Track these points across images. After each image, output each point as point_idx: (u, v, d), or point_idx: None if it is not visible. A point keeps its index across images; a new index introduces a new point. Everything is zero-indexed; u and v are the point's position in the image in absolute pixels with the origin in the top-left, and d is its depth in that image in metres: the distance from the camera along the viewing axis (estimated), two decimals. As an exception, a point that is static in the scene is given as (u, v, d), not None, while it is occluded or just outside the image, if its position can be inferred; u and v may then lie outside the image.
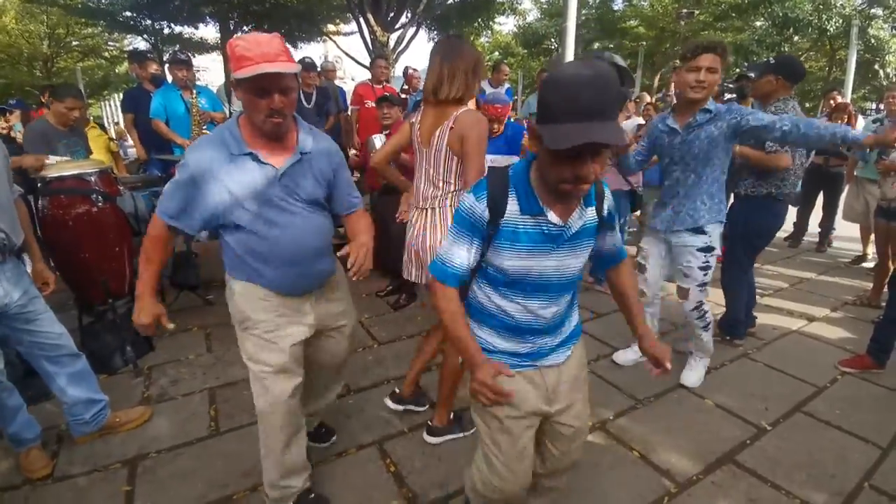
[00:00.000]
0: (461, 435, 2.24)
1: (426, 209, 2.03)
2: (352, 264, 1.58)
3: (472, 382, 1.19)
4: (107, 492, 1.95)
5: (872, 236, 4.67)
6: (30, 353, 2.04)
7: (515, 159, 3.29)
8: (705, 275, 2.51)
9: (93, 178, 2.78)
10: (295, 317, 1.70)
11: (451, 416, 2.26)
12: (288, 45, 1.50)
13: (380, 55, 5.92)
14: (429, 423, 2.26)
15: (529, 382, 1.35)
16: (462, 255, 1.22)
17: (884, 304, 3.06)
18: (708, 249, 2.48)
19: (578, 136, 0.97)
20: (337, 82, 6.61)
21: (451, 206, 1.99)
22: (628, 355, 2.94)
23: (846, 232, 5.51)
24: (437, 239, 1.98)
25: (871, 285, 4.00)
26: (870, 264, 4.75)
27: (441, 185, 1.99)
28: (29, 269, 2.08)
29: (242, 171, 1.52)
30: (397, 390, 2.49)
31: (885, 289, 3.09)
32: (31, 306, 1.96)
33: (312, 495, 1.84)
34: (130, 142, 5.04)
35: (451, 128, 1.90)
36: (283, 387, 1.67)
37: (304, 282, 1.68)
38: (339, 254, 1.64)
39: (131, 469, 2.06)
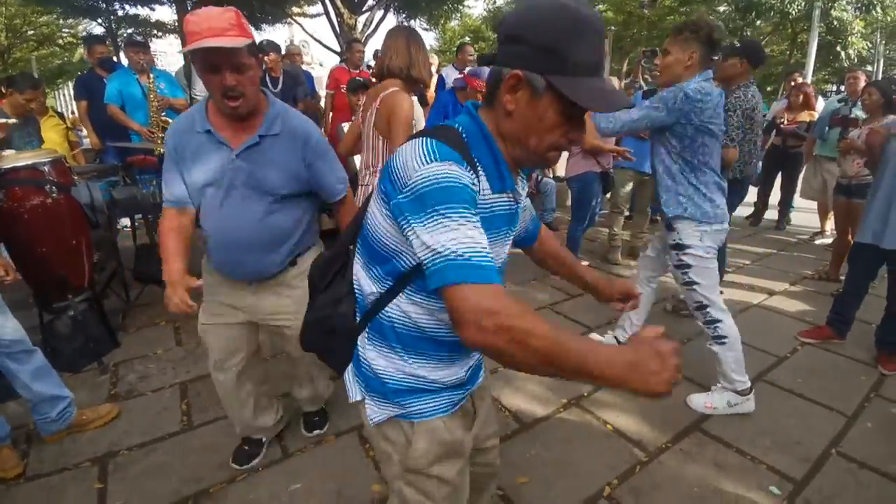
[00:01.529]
0: None
1: (362, 186, 2.23)
2: None
3: (660, 359, 0.70)
4: (79, 490, 1.89)
5: (830, 213, 4.88)
6: None
7: None
8: (684, 274, 2.28)
9: (46, 168, 2.65)
10: (229, 299, 1.73)
11: None
12: (245, 22, 1.42)
13: (355, 39, 5.86)
14: None
15: (465, 416, 1.12)
16: (483, 239, 0.80)
17: (843, 277, 3.21)
18: (678, 247, 2.28)
19: (612, 93, 0.83)
20: (304, 67, 6.45)
21: None
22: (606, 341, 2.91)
23: (804, 209, 5.73)
24: None
25: (828, 260, 4.18)
26: (827, 240, 4.96)
27: (372, 161, 2.15)
28: None
29: (201, 149, 1.50)
30: None
31: (845, 262, 3.23)
32: None
33: (246, 446, 2.02)
34: (85, 130, 4.82)
35: (377, 108, 2.04)
36: (214, 358, 1.81)
37: (239, 270, 1.66)
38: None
39: (102, 467, 2.01)
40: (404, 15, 14.61)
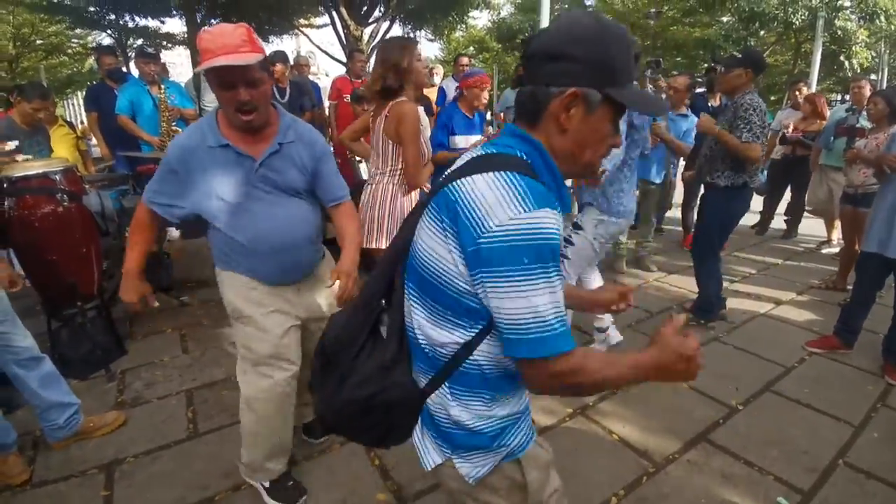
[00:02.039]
0: None
1: (370, 185, 2.44)
2: (339, 296, 1.65)
3: (686, 363, 0.80)
4: (86, 497, 1.90)
5: (836, 222, 4.86)
6: (1, 359, 1.98)
7: (479, 138, 3.35)
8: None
9: (58, 177, 2.69)
10: (282, 306, 1.70)
11: None
12: (256, 37, 1.47)
13: (357, 49, 5.85)
14: None
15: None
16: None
17: (850, 287, 3.19)
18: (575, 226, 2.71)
19: (654, 97, 0.88)
20: (311, 77, 6.51)
21: (389, 184, 2.37)
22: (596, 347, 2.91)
23: (810, 218, 5.71)
24: (376, 213, 2.37)
25: (836, 269, 4.16)
26: (834, 249, 4.94)
27: (380, 165, 2.37)
28: None
29: (220, 162, 1.52)
30: None
31: (852, 272, 3.22)
32: None
33: (291, 482, 1.86)
34: (95, 140, 4.88)
35: (386, 116, 2.26)
36: (276, 376, 1.69)
37: (287, 271, 1.68)
38: (327, 285, 1.71)
39: (108, 474, 2.02)
40: (410, 26, 14.78)
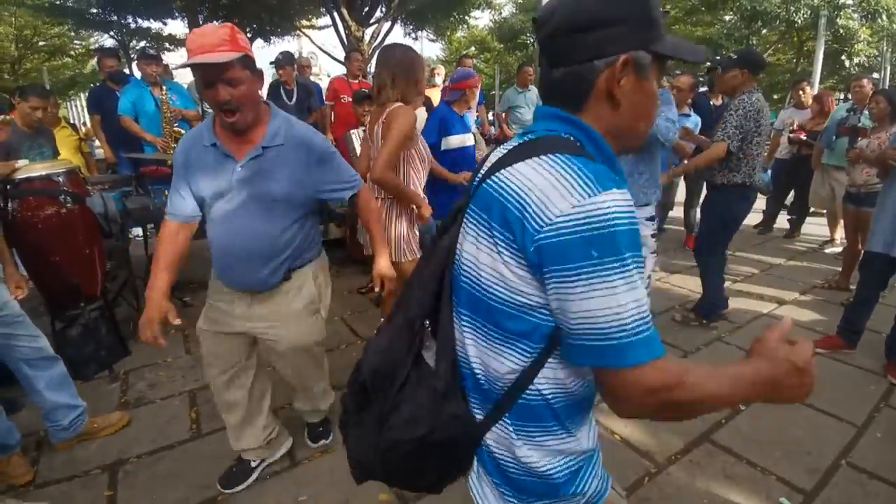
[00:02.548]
0: None
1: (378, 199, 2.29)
2: (387, 297, 1.89)
3: (800, 376, 0.69)
4: (89, 497, 1.91)
5: (839, 222, 4.85)
6: (8, 358, 2.00)
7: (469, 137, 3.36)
8: None
9: (61, 179, 2.70)
10: (228, 307, 1.73)
11: None
12: (241, 37, 1.44)
13: (354, 49, 5.76)
14: None
15: None
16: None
17: (853, 287, 3.18)
18: None
19: (687, 42, 0.79)
20: (312, 78, 6.52)
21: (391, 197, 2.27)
22: None
23: (813, 218, 5.69)
24: (402, 230, 2.29)
25: (839, 269, 4.15)
26: (837, 249, 4.92)
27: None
28: (1, 274, 2.02)
29: (209, 161, 1.55)
30: None
31: (856, 271, 3.21)
32: (7, 310, 1.93)
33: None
34: (98, 142, 4.90)
35: (383, 122, 2.15)
36: (210, 370, 1.84)
37: (238, 279, 1.67)
38: (370, 293, 1.79)
39: (112, 474, 2.03)
40: (411, 26, 14.79)
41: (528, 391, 0.74)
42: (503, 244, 0.68)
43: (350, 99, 4.86)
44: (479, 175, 0.78)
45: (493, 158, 0.78)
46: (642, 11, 0.71)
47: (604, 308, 0.61)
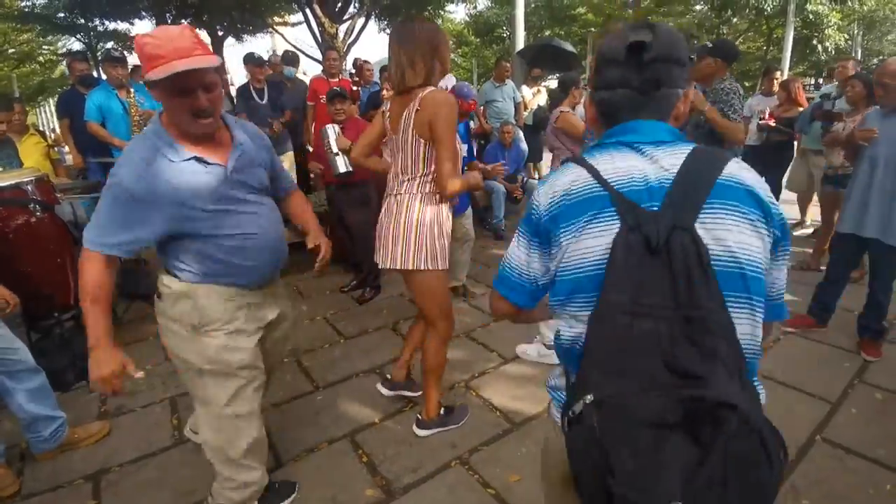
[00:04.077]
0: (453, 428, 2.25)
1: (390, 195, 2.02)
2: (322, 258, 1.74)
3: None
4: (73, 508, 1.89)
5: (810, 204, 4.98)
6: None
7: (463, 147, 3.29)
8: None
9: (30, 188, 2.64)
10: (257, 311, 1.64)
11: (443, 409, 2.26)
12: (204, 37, 1.45)
13: (330, 47, 5.64)
14: (418, 416, 2.24)
15: None
16: None
17: (823, 268, 3.27)
18: None
19: None
20: (301, 76, 6.39)
21: (419, 192, 1.93)
22: (529, 350, 2.88)
23: (785, 203, 5.81)
24: (401, 228, 1.93)
25: (810, 251, 4.26)
26: (808, 230, 5.05)
27: (409, 170, 1.93)
28: None
29: (189, 177, 1.40)
30: (388, 377, 2.52)
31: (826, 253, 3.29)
32: None
33: (277, 484, 1.88)
34: (67, 148, 4.78)
35: (417, 110, 1.82)
36: (251, 386, 1.63)
37: (274, 269, 1.67)
38: (309, 248, 1.76)
39: (95, 483, 2.00)
40: (385, 22, 14.69)
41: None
42: (763, 226, 0.84)
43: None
44: (652, 185, 0.84)
45: (651, 168, 0.86)
46: (687, 65, 0.95)
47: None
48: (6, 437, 2.17)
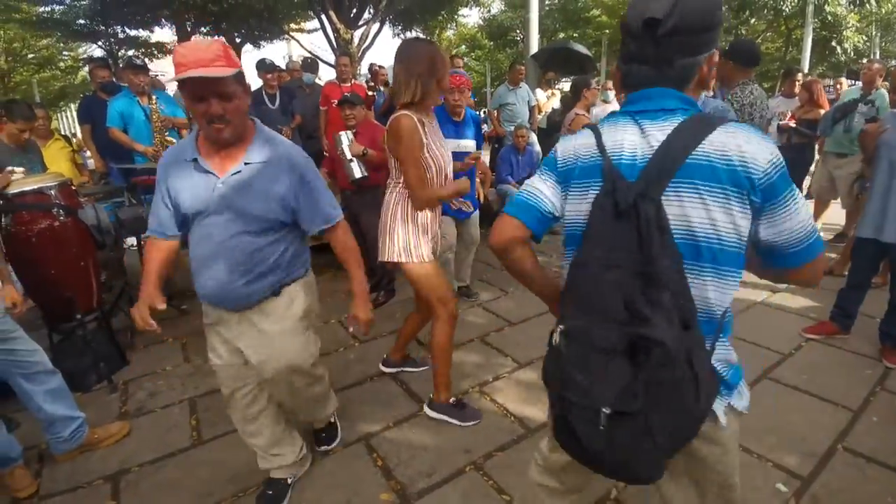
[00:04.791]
0: (458, 423, 2.28)
1: (387, 191, 2.24)
2: (362, 333, 1.85)
3: None
4: (92, 508, 1.92)
5: (825, 209, 4.89)
6: (6, 372, 2.01)
7: (469, 143, 3.28)
8: None
9: (53, 192, 2.71)
10: (225, 332, 1.71)
11: (453, 399, 2.36)
12: (233, 53, 1.47)
13: (343, 53, 5.67)
14: (430, 396, 2.39)
15: None
16: None
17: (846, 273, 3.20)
18: None
19: None
20: (317, 81, 6.45)
21: (399, 193, 2.14)
22: None
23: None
24: (384, 226, 2.17)
25: (830, 255, 4.17)
26: (821, 235, 4.95)
27: (393, 175, 2.17)
28: None
29: (188, 177, 1.55)
30: (386, 356, 2.77)
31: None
32: (4, 325, 1.94)
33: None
34: (89, 153, 4.89)
35: (388, 129, 2.04)
36: (223, 392, 1.80)
37: (222, 297, 1.62)
38: (350, 329, 1.75)
39: (114, 484, 2.04)
40: (400, 27, 14.78)
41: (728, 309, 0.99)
42: (735, 198, 0.90)
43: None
44: (633, 159, 0.96)
45: (640, 142, 0.97)
46: (721, 22, 0.98)
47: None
48: (25, 438, 2.21)
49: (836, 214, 4.94)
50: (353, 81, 5.25)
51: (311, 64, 5.82)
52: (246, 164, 1.53)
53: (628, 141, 0.97)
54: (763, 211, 0.91)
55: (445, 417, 2.31)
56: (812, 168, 5.29)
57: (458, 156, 3.05)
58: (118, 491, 2.00)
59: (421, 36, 16.26)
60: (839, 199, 4.65)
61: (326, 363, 3.02)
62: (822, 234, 3.61)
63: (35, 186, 2.67)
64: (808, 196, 5.08)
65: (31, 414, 2.13)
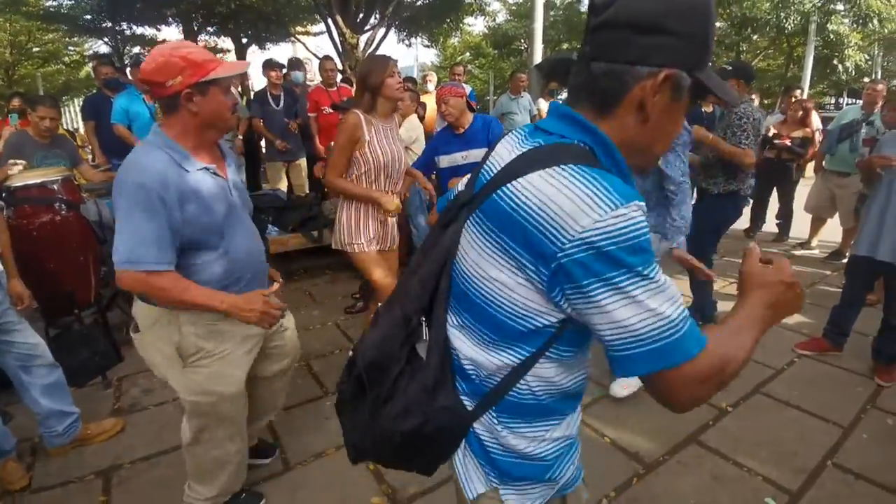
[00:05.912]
0: None
1: None
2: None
3: (791, 288, 0.75)
4: (84, 502, 1.93)
5: (821, 227, 4.94)
6: (5, 364, 2.02)
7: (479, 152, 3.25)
8: None
9: (56, 187, 2.72)
10: (249, 329, 1.60)
11: None
12: (227, 45, 1.58)
13: (325, 56, 5.48)
14: None
15: None
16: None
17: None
18: None
19: (726, 86, 0.76)
20: (308, 84, 6.52)
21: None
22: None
23: (798, 221, 5.76)
24: (342, 221, 2.38)
25: (825, 272, 4.21)
26: (814, 252, 5.02)
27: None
28: (3, 283, 2.04)
29: (204, 186, 1.43)
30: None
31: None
32: (6, 317, 1.96)
33: (244, 495, 1.87)
34: (91, 148, 4.91)
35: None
36: (239, 410, 1.70)
37: (262, 284, 1.67)
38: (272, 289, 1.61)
39: (106, 480, 2.04)
40: (405, 33, 14.87)
41: (517, 387, 0.76)
42: (519, 259, 0.67)
43: (329, 109, 4.83)
44: (487, 175, 0.77)
45: (500, 158, 0.76)
46: (700, 32, 0.67)
47: (645, 312, 0.61)
48: (19, 431, 2.21)
49: (831, 232, 4.97)
50: (338, 85, 5.18)
51: (296, 63, 5.84)
52: (230, 160, 1.65)
53: (497, 159, 0.77)
54: (566, 291, 0.64)
55: None
56: (798, 184, 5.36)
57: (461, 170, 2.98)
58: (110, 486, 2.00)
59: (426, 42, 16.36)
60: (836, 216, 4.70)
61: (322, 365, 3.03)
62: (816, 251, 3.62)
63: (38, 180, 2.68)
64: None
65: (25, 407, 2.14)
